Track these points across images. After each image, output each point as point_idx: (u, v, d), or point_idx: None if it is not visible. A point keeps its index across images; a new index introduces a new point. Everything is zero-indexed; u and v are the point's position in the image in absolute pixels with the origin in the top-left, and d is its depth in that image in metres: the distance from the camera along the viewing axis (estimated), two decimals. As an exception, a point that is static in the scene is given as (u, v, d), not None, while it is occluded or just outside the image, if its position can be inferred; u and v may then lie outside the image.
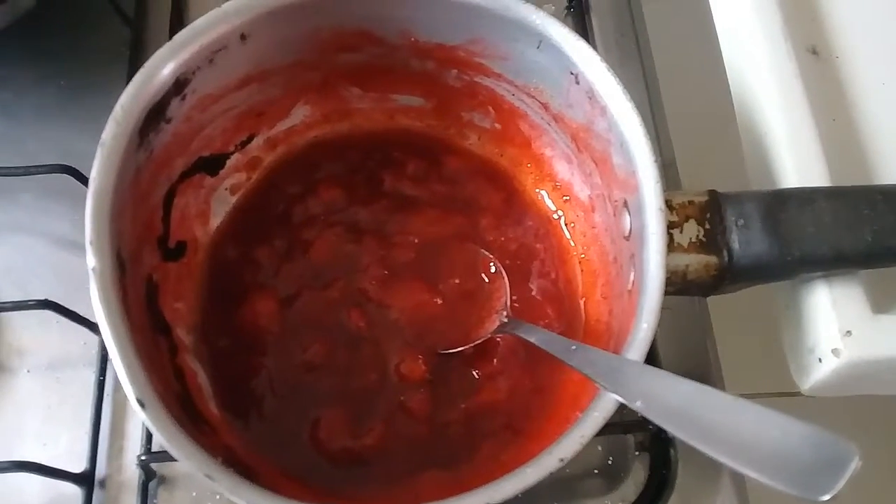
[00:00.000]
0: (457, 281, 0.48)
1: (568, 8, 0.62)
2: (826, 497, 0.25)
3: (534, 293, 0.49)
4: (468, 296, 0.48)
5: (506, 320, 0.46)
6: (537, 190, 0.51)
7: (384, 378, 0.46)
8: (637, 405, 0.32)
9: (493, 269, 0.48)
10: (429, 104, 0.51)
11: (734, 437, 0.28)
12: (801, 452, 0.26)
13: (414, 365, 0.46)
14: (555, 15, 0.60)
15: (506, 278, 0.48)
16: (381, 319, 0.47)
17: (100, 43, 0.62)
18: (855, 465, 0.25)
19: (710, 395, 0.30)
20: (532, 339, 0.42)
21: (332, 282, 0.48)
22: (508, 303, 0.47)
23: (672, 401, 0.31)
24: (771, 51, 0.45)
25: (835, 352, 0.39)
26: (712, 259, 0.40)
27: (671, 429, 0.31)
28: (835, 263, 0.39)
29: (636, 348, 0.35)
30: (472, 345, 0.46)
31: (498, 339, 0.47)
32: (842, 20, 0.49)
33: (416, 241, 0.49)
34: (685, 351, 0.51)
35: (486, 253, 0.49)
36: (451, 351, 0.46)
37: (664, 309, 0.51)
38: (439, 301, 0.48)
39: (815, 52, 0.47)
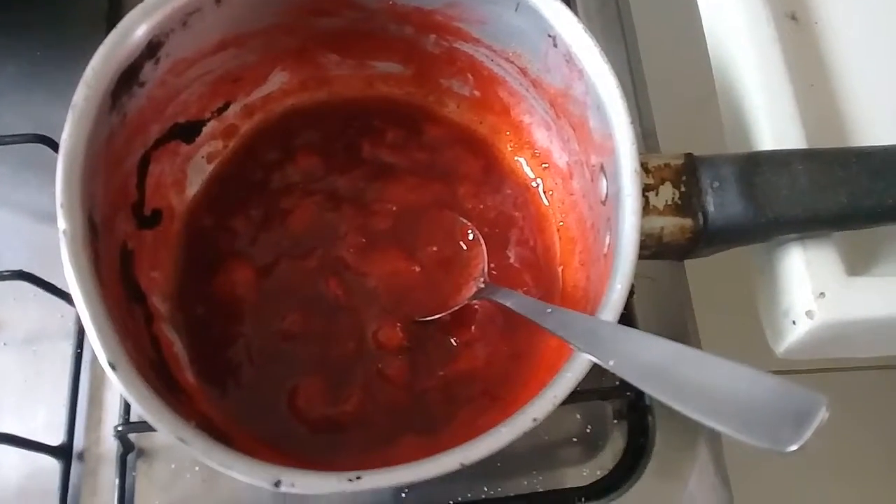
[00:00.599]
0: (434, 248, 0.48)
1: (550, -25, 0.61)
2: (792, 447, 0.25)
3: (512, 261, 0.49)
4: (446, 263, 0.48)
5: (483, 286, 0.46)
6: (516, 158, 0.51)
7: (362, 346, 0.46)
8: (610, 364, 0.32)
9: (470, 237, 0.48)
10: (408, 71, 0.51)
11: (705, 393, 0.28)
12: (769, 405, 0.27)
13: (392, 332, 0.46)
14: (535, -19, 0.60)
15: (483, 245, 0.47)
16: (359, 287, 0.47)
17: (77, 14, 0.61)
18: (822, 415, 0.25)
19: (682, 352, 0.30)
20: (508, 304, 0.42)
21: (310, 250, 0.48)
22: (486, 269, 0.47)
23: (644, 358, 0.31)
24: (750, 16, 0.45)
25: (808, 314, 0.39)
26: (687, 221, 0.40)
27: (643, 386, 0.31)
28: (809, 225, 0.39)
29: (610, 309, 0.35)
30: (449, 311, 0.46)
31: (476, 307, 0.47)
32: (821, -14, 0.49)
33: (394, 208, 0.49)
34: (664, 320, 0.51)
35: (464, 220, 0.48)
36: (428, 318, 0.46)
37: (644, 278, 0.51)
38: (417, 269, 0.48)
39: (794, 18, 0.47)
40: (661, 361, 0.31)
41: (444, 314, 0.46)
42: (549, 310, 0.38)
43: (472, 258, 0.48)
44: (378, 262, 0.48)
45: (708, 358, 0.29)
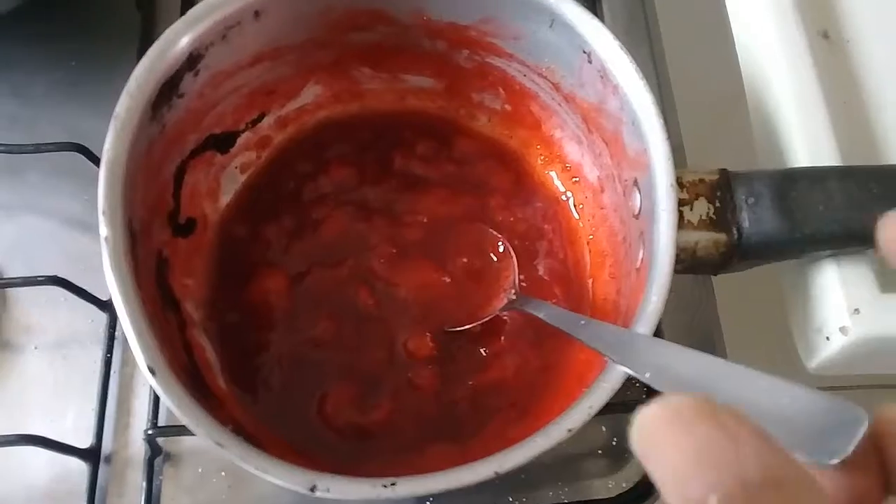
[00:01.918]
0: (465, 260, 0.49)
1: (578, -8, 0.62)
2: (836, 461, 0.25)
3: (541, 273, 0.49)
4: (476, 274, 0.48)
5: (514, 298, 0.46)
6: (547, 171, 0.52)
7: (392, 355, 0.46)
8: (647, 377, 0.32)
9: (501, 249, 0.48)
10: (439, 85, 0.51)
11: (744, 407, 0.28)
12: (811, 419, 0.26)
13: (421, 342, 0.46)
14: (565, -1, 0.61)
15: (514, 257, 0.48)
16: (390, 297, 0.48)
17: (110, 25, 0.62)
18: (864, 428, 0.25)
19: (720, 365, 0.30)
20: (541, 315, 0.42)
21: (342, 260, 0.48)
22: (517, 281, 0.47)
23: (681, 371, 0.31)
24: (783, 34, 0.45)
25: (843, 330, 0.39)
26: (722, 236, 0.40)
27: None
28: (844, 242, 0.40)
29: (645, 321, 0.36)
30: (479, 322, 0.46)
31: (505, 318, 0.47)
32: (853, 4, 0.49)
33: (424, 220, 0.50)
34: (691, 334, 0.51)
35: (495, 232, 0.49)
36: (459, 329, 0.47)
37: (670, 292, 0.51)
38: (447, 279, 0.48)
39: (826, 36, 0.48)
40: (698, 375, 0.31)
41: (474, 325, 0.46)
42: (583, 322, 0.38)
43: (502, 270, 0.48)
44: (409, 272, 0.48)
45: (747, 372, 0.29)
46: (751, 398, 0.29)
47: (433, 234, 0.49)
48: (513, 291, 0.46)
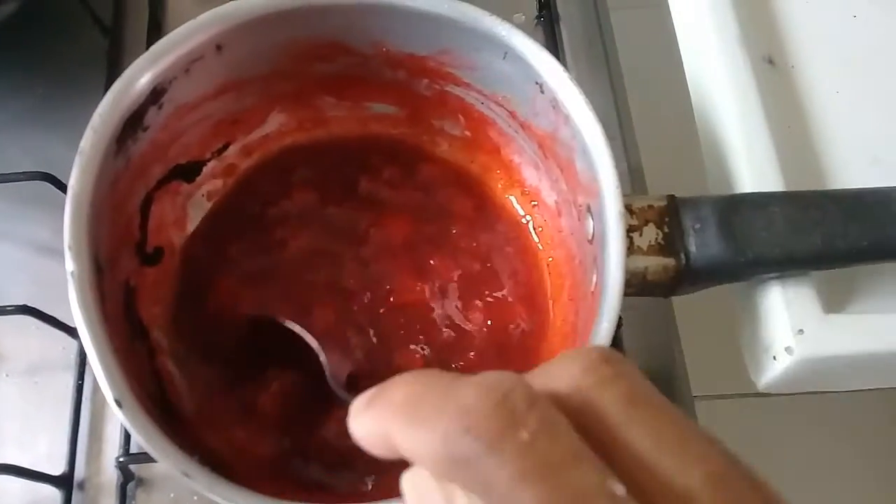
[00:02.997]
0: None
1: (538, 17, 0.63)
2: None
3: (506, 294, 0.50)
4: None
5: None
6: (507, 195, 0.53)
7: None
8: None
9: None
10: (401, 112, 0.53)
11: None
12: None
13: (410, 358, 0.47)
14: (525, 24, 0.63)
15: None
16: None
17: (78, 51, 0.63)
18: None
19: None
20: None
21: (308, 281, 0.49)
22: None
23: None
24: (727, 60, 0.47)
25: (788, 350, 0.41)
26: (670, 261, 0.41)
27: None
28: (787, 265, 0.41)
29: (598, 343, 0.37)
30: None
31: (473, 337, 0.48)
32: (797, 30, 0.51)
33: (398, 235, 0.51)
34: (651, 351, 0.53)
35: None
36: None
37: (630, 309, 0.53)
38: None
39: (770, 62, 0.49)
40: None
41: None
42: None
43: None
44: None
45: None
46: None
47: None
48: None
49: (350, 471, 0.45)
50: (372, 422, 0.25)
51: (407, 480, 0.26)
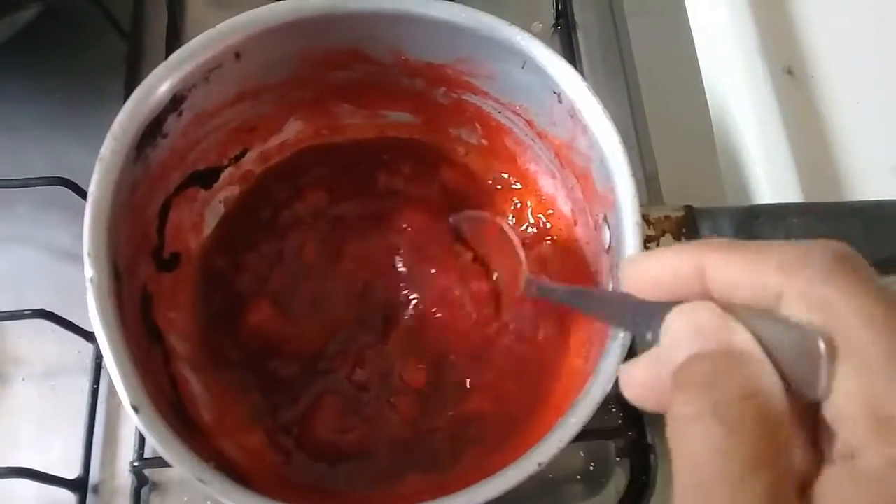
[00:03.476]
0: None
1: (555, 26, 0.63)
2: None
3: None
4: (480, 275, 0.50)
5: (529, 276, 0.46)
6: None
7: (384, 378, 0.48)
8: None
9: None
10: (418, 120, 0.53)
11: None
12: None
13: (416, 374, 0.47)
14: (542, 33, 0.63)
15: (516, 239, 0.48)
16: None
17: (97, 57, 0.63)
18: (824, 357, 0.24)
19: None
20: (556, 294, 0.43)
21: (332, 287, 0.50)
22: (525, 263, 0.47)
23: None
24: (747, 71, 0.47)
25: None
26: (688, 272, 0.41)
27: None
28: (805, 278, 0.41)
29: (612, 354, 0.37)
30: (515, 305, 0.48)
31: (491, 351, 0.48)
32: (817, 41, 0.51)
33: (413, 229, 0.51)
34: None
35: (488, 214, 0.50)
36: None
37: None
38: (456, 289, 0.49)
39: (790, 73, 0.49)
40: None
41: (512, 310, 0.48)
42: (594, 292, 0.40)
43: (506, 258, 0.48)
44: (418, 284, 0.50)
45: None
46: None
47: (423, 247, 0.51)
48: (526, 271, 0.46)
49: (363, 479, 0.45)
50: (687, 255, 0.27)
51: (684, 314, 0.27)
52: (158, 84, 0.42)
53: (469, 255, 0.50)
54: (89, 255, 0.38)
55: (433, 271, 0.50)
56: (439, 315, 0.49)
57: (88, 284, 0.38)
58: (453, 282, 0.49)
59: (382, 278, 0.50)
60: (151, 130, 0.42)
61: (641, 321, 0.30)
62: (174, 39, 0.62)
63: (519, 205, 0.53)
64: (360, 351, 0.48)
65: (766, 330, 0.26)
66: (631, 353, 0.38)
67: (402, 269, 0.50)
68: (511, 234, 0.48)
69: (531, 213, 0.52)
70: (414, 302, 0.50)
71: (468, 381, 0.48)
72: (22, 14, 0.58)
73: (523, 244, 0.48)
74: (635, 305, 0.31)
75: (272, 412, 0.47)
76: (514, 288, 0.47)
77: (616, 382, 0.33)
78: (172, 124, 0.44)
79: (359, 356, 0.48)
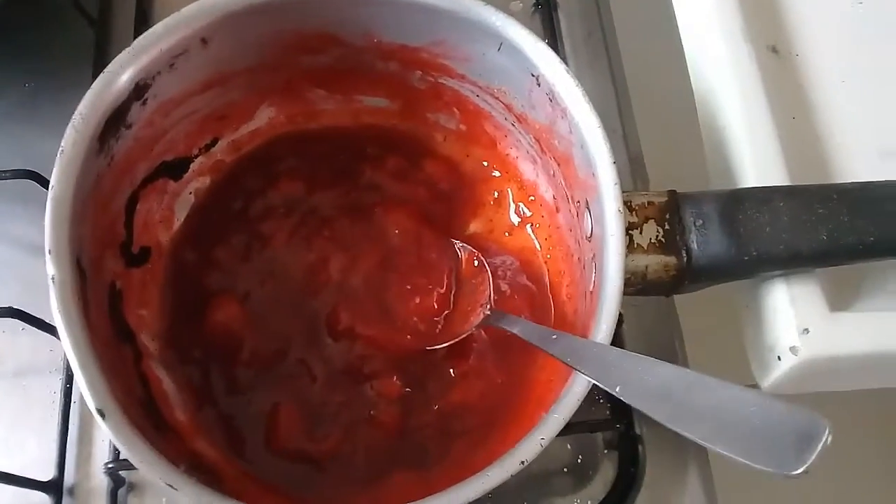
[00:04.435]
0: (437, 276, 0.49)
1: (535, 5, 0.62)
2: (797, 472, 0.25)
3: (507, 291, 0.49)
4: (452, 290, 0.48)
5: (489, 313, 0.46)
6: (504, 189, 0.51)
7: (356, 389, 0.46)
8: (616, 390, 0.32)
9: (475, 264, 0.48)
10: (394, 105, 0.51)
11: (710, 417, 0.29)
12: (773, 429, 0.27)
13: (389, 384, 0.46)
14: (522, 13, 0.61)
15: (489, 272, 0.48)
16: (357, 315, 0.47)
17: (64, 44, 0.61)
18: (825, 438, 0.25)
19: (687, 377, 0.31)
20: (515, 330, 0.42)
21: (306, 284, 0.48)
22: (491, 295, 0.47)
23: (650, 384, 0.31)
24: (731, 49, 0.46)
25: (793, 349, 0.40)
26: (671, 259, 0.40)
27: (649, 412, 0.31)
28: (791, 262, 0.40)
29: (596, 347, 0.36)
30: (457, 339, 0.46)
31: (473, 340, 0.47)
32: (802, 18, 0.49)
33: (396, 232, 0.49)
34: (652, 352, 0.51)
35: (469, 247, 0.49)
36: (437, 347, 0.47)
37: (631, 308, 0.52)
38: (423, 297, 0.48)
39: (775, 51, 0.48)
40: (666, 386, 0.31)
41: (452, 341, 0.46)
42: (555, 336, 0.39)
43: (477, 285, 0.48)
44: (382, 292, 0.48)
45: (713, 382, 0.29)
46: (716, 408, 0.29)
47: (403, 252, 0.49)
48: (488, 307, 0.46)
49: (344, 480, 0.44)
50: None
51: None
52: (121, 72, 0.40)
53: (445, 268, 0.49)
54: (51, 252, 0.37)
55: (407, 272, 0.49)
56: (409, 318, 0.48)
57: (51, 283, 0.37)
58: (423, 286, 0.48)
59: (354, 278, 0.48)
60: (114, 120, 0.41)
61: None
62: (143, 25, 0.60)
63: (497, 195, 0.51)
64: (327, 356, 0.47)
65: None
66: (616, 342, 0.38)
67: (374, 270, 0.49)
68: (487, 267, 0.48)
69: (512, 201, 0.51)
70: (384, 303, 0.48)
71: (451, 370, 0.47)
72: (-13, 2, 0.56)
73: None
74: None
75: (229, 418, 0.45)
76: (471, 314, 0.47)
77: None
78: (137, 114, 0.42)
79: (326, 361, 0.47)
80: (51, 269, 0.37)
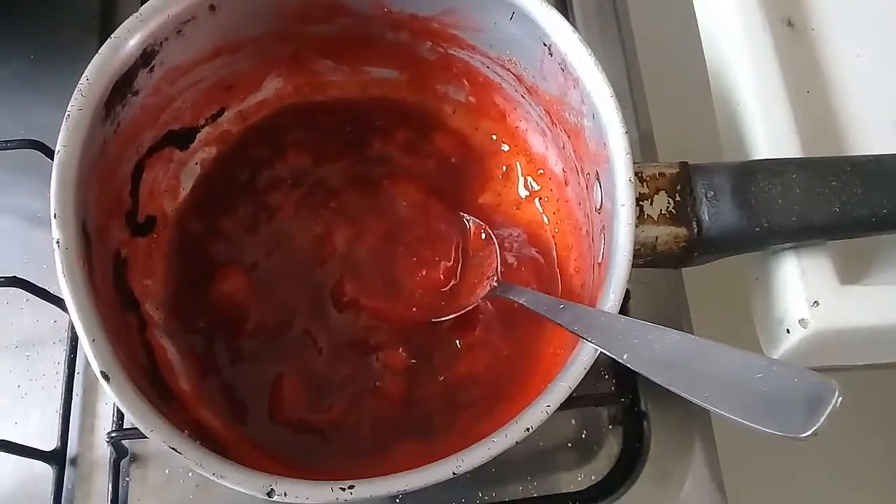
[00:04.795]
0: (444, 248, 0.48)
1: (547, -22, 0.61)
2: (806, 434, 0.25)
3: (514, 264, 0.48)
4: (458, 262, 0.48)
5: (496, 285, 0.46)
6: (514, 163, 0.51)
7: (362, 362, 0.46)
8: (624, 358, 0.32)
9: (483, 237, 0.48)
10: (403, 77, 0.51)
11: (717, 382, 0.28)
12: (782, 392, 0.26)
13: (395, 355, 0.46)
14: (532, -14, 0.60)
15: (496, 244, 0.47)
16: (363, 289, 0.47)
17: (70, 15, 0.61)
18: (835, 400, 0.25)
19: (694, 343, 0.31)
20: (522, 300, 0.42)
21: (312, 254, 0.48)
22: (498, 268, 0.47)
23: (657, 351, 0.31)
24: (745, 21, 0.45)
25: (802, 322, 0.39)
26: (682, 231, 0.40)
27: (657, 378, 0.30)
28: (803, 234, 0.39)
29: (605, 318, 0.35)
30: (464, 311, 0.46)
31: (480, 311, 0.47)
32: (817, -8, 0.49)
33: (405, 204, 0.49)
34: (660, 323, 0.51)
35: (477, 220, 0.48)
36: (443, 319, 0.46)
37: (640, 283, 0.51)
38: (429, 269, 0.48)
39: (790, 24, 0.47)
40: (673, 353, 0.31)
41: (458, 313, 0.46)
42: (562, 305, 0.38)
43: (484, 258, 0.47)
44: (387, 268, 0.48)
45: (721, 348, 0.29)
46: (724, 373, 0.29)
47: (411, 224, 0.49)
48: (495, 279, 0.46)
49: (350, 449, 0.44)
50: None
51: None
52: (128, 37, 0.40)
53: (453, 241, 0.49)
54: (56, 216, 0.37)
55: (414, 245, 0.48)
56: (415, 291, 0.48)
57: (56, 247, 0.36)
58: (430, 259, 0.48)
59: (360, 250, 0.48)
60: (121, 86, 0.40)
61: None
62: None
63: (506, 168, 0.51)
64: (332, 327, 0.47)
65: None
66: (623, 311, 0.37)
67: (380, 243, 0.49)
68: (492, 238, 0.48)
69: (521, 175, 0.50)
70: (390, 275, 0.48)
71: (458, 341, 0.47)
72: (-10, -30, 0.56)
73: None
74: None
75: (233, 388, 0.45)
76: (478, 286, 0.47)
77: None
78: (143, 80, 0.42)
79: (331, 332, 0.46)
80: (56, 234, 0.36)
